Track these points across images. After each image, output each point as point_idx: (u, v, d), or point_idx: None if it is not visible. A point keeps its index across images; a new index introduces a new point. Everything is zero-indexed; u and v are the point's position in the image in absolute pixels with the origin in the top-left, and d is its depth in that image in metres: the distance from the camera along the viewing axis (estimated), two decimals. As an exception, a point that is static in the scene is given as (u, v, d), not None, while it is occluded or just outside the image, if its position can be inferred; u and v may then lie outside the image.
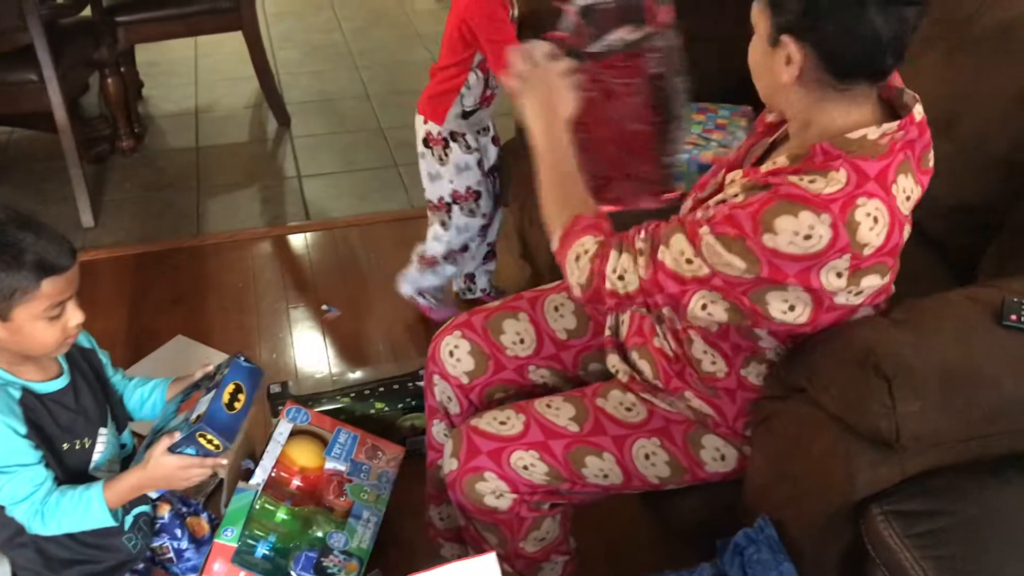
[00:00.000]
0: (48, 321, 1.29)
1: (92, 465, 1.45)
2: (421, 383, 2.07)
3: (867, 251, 1.12)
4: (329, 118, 3.66)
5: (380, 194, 3.16)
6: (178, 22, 3.35)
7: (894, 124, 1.14)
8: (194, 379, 1.56)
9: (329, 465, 1.77)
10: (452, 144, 2.18)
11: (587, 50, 1.38)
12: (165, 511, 1.64)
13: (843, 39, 1.11)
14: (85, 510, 1.36)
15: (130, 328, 2.47)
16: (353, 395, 2.05)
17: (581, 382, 1.58)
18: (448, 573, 1.21)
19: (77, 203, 2.95)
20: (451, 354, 1.61)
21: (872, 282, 1.15)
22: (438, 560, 1.81)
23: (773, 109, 1.31)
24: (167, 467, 1.37)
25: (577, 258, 1.27)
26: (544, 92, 1.35)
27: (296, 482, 1.72)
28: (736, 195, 1.20)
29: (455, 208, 2.26)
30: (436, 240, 2.34)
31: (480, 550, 1.51)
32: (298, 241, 2.94)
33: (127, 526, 1.49)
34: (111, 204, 3.10)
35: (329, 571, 1.57)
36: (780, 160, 1.20)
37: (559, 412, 1.44)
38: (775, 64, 1.17)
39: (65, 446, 1.40)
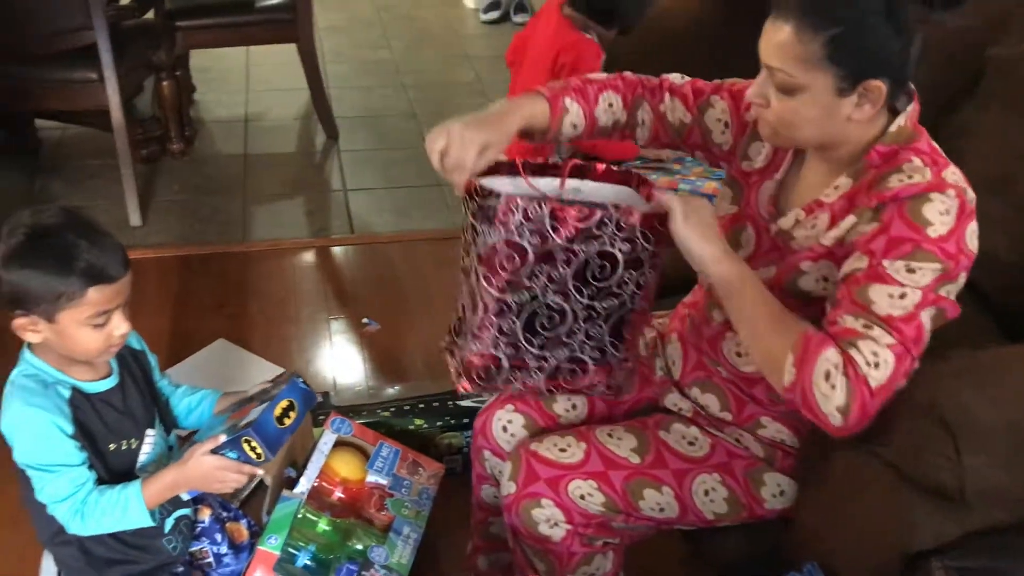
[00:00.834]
0: (93, 328, 1.30)
1: (138, 466, 1.46)
2: (460, 402, 2.09)
3: (973, 203, 1.20)
4: (376, 134, 3.69)
5: (422, 212, 3.19)
6: (236, 30, 3.40)
7: (908, 108, 1.25)
8: (247, 394, 1.57)
9: (371, 478, 1.78)
10: None
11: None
12: (206, 515, 1.64)
13: (906, 65, 1.20)
14: (124, 509, 1.37)
15: (173, 329, 2.50)
16: (393, 410, 2.06)
17: None
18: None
19: (126, 202, 2.99)
20: (504, 429, 1.58)
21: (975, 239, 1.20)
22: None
23: (808, 145, 1.31)
24: (205, 467, 1.37)
25: (827, 377, 1.14)
26: (708, 213, 1.28)
27: (338, 493, 1.73)
28: (856, 225, 1.23)
29: None
30: None
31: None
32: (341, 254, 2.96)
33: (167, 528, 1.50)
34: (159, 205, 3.14)
35: (369, 585, 1.57)
36: (842, 182, 1.26)
37: (620, 443, 1.44)
38: (843, 109, 1.21)
39: (112, 446, 1.41)
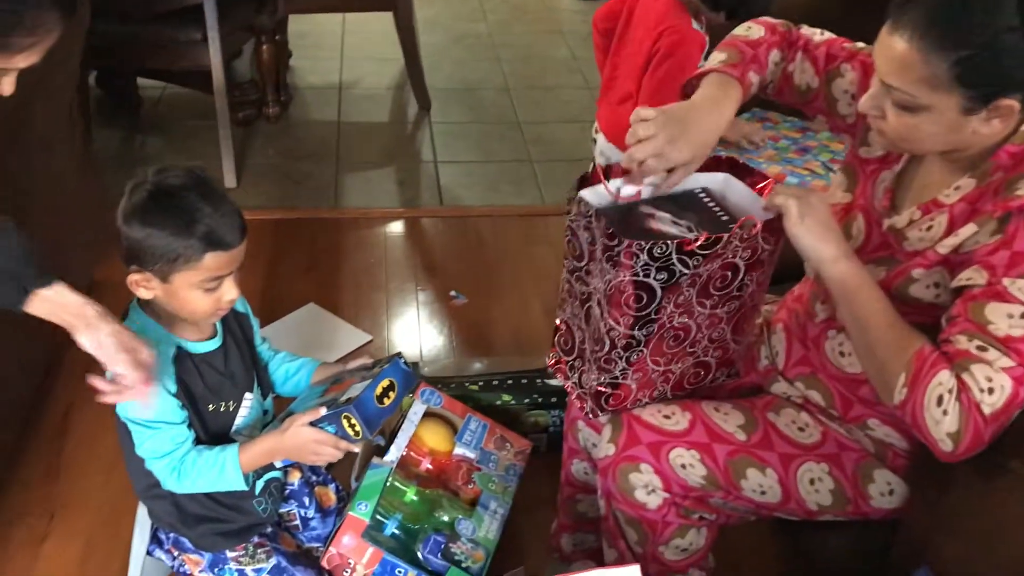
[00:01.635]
0: (204, 292, 1.30)
1: (234, 428, 1.47)
2: (549, 381, 2.06)
3: None
4: (468, 107, 3.67)
5: (513, 187, 3.16)
6: (337, -3, 3.41)
7: None
8: (346, 368, 1.57)
9: (458, 451, 1.77)
10: None
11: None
12: (295, 478, 1.65)
13: None
14: (220, 471, 1.37)
15: (264, 291, 2.52)
16: (481, 384, 2.04)
17: None
18: (591, 579, 1.19)
19: (222, 163, 3.02)
20: None
21: None
22: (551, 561, 1.79)
23: (926, 153, 1.24)
24: (302, 438, 1.37)
25: (939, 402, 1.09)
26: (824, 210, 1.21)
27: (426, 464, 1.72)
28: (976, 236, 1.15)
29: None
30: None
31: (615, 544, 1.48)
32: (430, 225, 2.95)
33: (258, 490, 1.50)
34: (253, 168, 3.17)
35: (456, 558, 1.56)
36: (964, 183, 1.18)
37: (727, 418, 1.39)
38: (969, 125, 1.12)
39: (210, 407, 1.41)
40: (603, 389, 1.36)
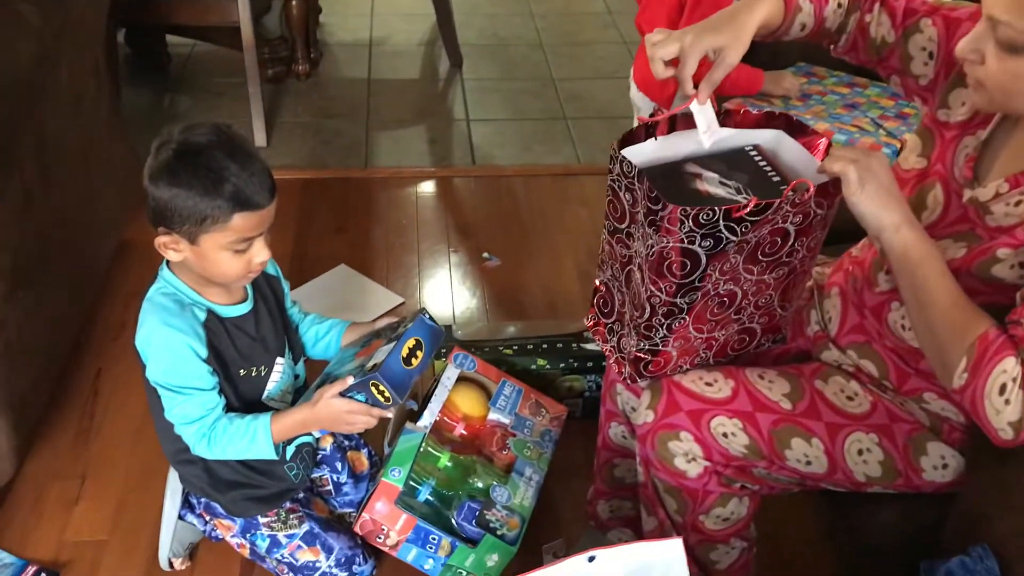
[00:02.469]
0: (233, 253, 1.27)
1: (266, 394, 1.44)
2: (585, 345, 2.01)
3: None
4: (501, 63, 3.59)
5: (546, 146, 3.09)
6: (366, -49, 3.33)
7: None
8: (374, 328, 1.53)
9: (492, 416, 1.73)
10: None
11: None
12: (327, 443, 1.63)
13: None
14: (251, 440, 1.35)
15: (294, 252, 2.49)
16: (515, 348, 2.00)
17: None
18: (631, 552, 1.15)
19: (252, 121, 2.98)
20: None
21: None
22: (587, 529, 1.76)
23: (1016, 111, 1.14)
24: (334, 409, 1.34)
25: (1002, 391, 1.03)
26: (886, 175, 1.12)
27: (460, 429, 1.69)
28: None
29: None
30: None
31: (654, 513, 1.44)
32: (462, 185, 2.90)
33: (289, 455, 1.48)
34: (283, 126, 3.12)
35: (491, 525, 1.53)
36: None
37: (772, 385, 1.34)
38: None
39: (242, 372, 1.39)
40: (642, 355, 1.31)
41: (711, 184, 1.22)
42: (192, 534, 1.66)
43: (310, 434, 1.53)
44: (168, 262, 1.34)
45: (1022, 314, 1.06)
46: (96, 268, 2.24)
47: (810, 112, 1.91)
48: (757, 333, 1.38)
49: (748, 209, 1.13)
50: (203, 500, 1.52)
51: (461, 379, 1.78)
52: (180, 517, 1.57)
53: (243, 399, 1.40)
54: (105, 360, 2.12)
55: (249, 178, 1.23)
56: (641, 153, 1.25)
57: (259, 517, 1.51)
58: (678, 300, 1.22)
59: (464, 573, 1.52)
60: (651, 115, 1.26)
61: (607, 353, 1.41)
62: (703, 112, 1.24)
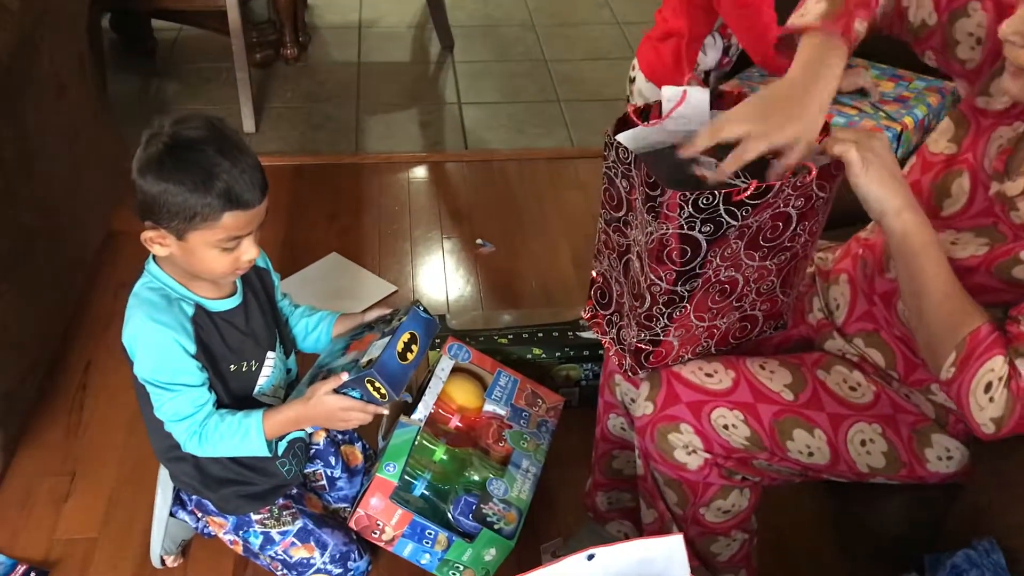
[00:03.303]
0: (221, 251, 1.23)
1: (257, 389, 1.41)
2: (580, 333, 1.99)
3: None
4: (492, 45, 3.54)
5: (540, 129, 3.05)
6: (354, -69, 3.28)
7: None
8: (364, 320, 1.50)
9: (488, 407, 1.70)
10: None
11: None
12: (320, 438, 1.60)
13: None
14: (242, 437, 1.32)
15: (285, 239, 2.46)
16: (511, 337, 1.97)
17: None
18: (632, 549, 1.12)
19: (240, 107, 2.94)
20: None
21: None
22: (585, 521, 1.74)
23: None
24: (328, 407, 1.31)
25: (987, 388, 1.05)
26: (888, 156, 1.09)
27: (455, 422, 1.66)
28: None
29: None
30: None
31: (654, 505, 1.42)
32: (455, 170, 2.86)
33: (280, 451, 1.45)
34: (272, 111, 3.08)
35: (489, 519, 1.50)
36: None
37: (773, 376, 1.31)
38: None
39: (232, 367, 1.36)
40: (643, 346, 1.29)
41: (708, 168, 1.19)
42: (184, 531, 1.64)
43: (303, 430, 1.50)
44: (154, 256, 1.30)
45: (1021, 311, 1.03)
46: (83, 258, 2.20)
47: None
48: (759, 320, 1.35)
49: (748, 192, 1.09)
50: (194, 497, 1.49)
51: (456, 370, 1.75)
52: (172, 514, 1.55)
53: (234, 395, 1.37)
54: (95, 352, 2.09)
55: (240, 175, 1.19)
56: (636, 138, 1.21)
57: (251, 514, 1.48)
58: (679, 288, 1.19)
59: (461, 568, 1.49)
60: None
61: (606, 345, 1.39)
62: (700, 101, 1.21)
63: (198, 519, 1.53)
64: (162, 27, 3.39)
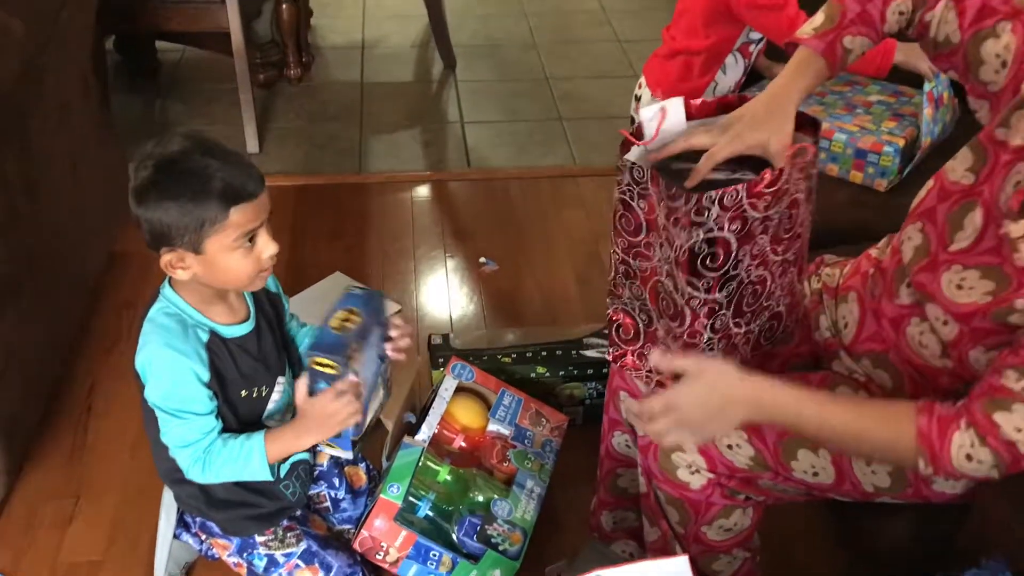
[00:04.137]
0: (241, 252, 1.23)
1: (265, 414, 1.41)
2: (585, 352, 1.98)
3: None
4: (494, 64, 3.56)
5: (542, 147, 3.06)
6: (357, -48, 3.30)
7: None
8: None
9: (492, 427, 1.70)
10: None
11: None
12: (324, 459, 1.59)
13: None
14: (245, 461, 1.31)
15: (289, 259, 2.46)
16: (514, 356, 1.97)
17: None
18: (637, 571, 1.12)
19: (244, 128, 2.95)
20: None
21: None
22: (590, 540, 1.73)
23: None
24: (314, 408, 1.29)
25: (968, 459, 1.06)
26: (693, 406, 1.16)
27: (459, 442, 1.66)
28: None
29: None
30: None
31: (657, 524, 1.41)
32: (458, 188, 2.87)
33: (283, 472, 1.45)
34: (276, 132, 3.09)
35: (493, 540, 1.50)
36: None
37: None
38: None
39: (243, 393, 1.35)
40: None
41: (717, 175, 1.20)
42: (188, 553, 1.63)
43: (307, 451, 1.50)
44: (170, 280, 1.30)
45: (1004, 364, 1.05)
46: (87, 280, 2.20)
47: (809, 111, 1.88)
48: (783, 316, 1.34)
49: (766, 182, 1.11)
50: (199, 519, 1.49)
51: (459, 390, 1.75)
52: (175, 536, 1.54)
53: (242, 420, 1.37)
54: (98, 374, 2.09)
55: (234, 170, 1.19)
56: (640, 158, 1.22)
57: (256, 536, 1.47)
58: (717, 296, 1.19)
59: (466, 589, 1.49)
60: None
61: (646, 381, 1.37)
62: (677, 112, 1.23)
63: (202, 541, 1.53)
64: (166, 48, 3.41)
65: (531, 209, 2.73)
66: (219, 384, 1.30)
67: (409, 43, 3.71)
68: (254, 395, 1.36)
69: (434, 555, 1.45)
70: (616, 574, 1.08)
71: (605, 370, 1.88)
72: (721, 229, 1.12)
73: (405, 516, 1.46)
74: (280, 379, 1.40)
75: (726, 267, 1.16)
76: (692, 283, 1.18)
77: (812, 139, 1.22)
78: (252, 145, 2.95)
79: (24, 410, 1.79)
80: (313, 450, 1.54)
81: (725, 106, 1.26)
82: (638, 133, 1.23)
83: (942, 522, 1.29)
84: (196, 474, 1.31)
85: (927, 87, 1.82)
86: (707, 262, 1.15)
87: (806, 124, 1.24)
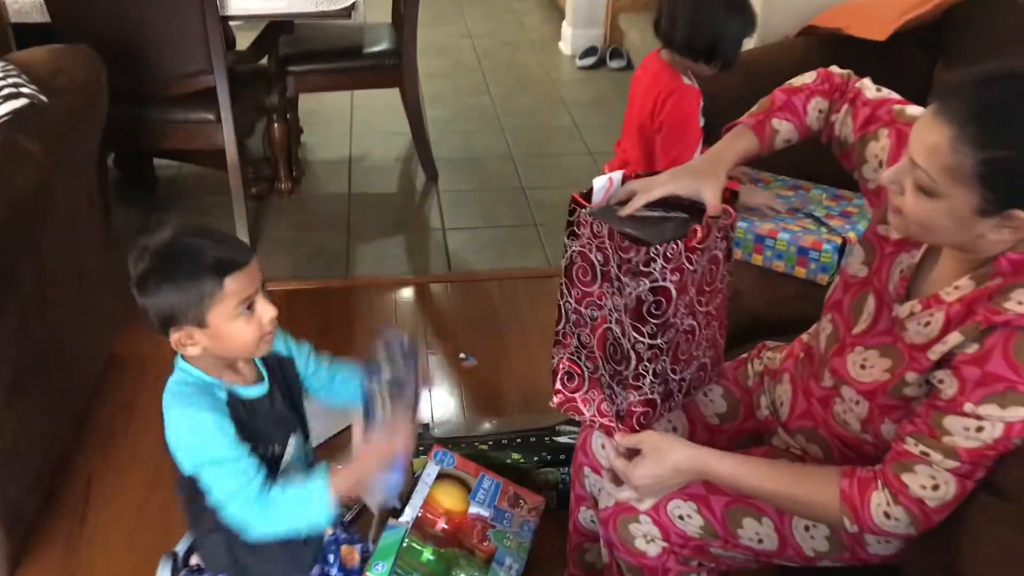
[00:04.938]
0: (243, 319, 1.30)
1: (279, 471, 1.44)
2: (557, 438, 2.10)
3: None
4: (474, 175, 3.77)
5: (519, 251, 3.23)
6: (344, 75, 3.53)
7: None
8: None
9: (473, 510, 1.81)
10: None
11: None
12: (328, 533, 1.66)
13: None
14: (306, 503, 1.34)
15: (279, 359, 2.58)
16: (491, 443, 2.08)
17: None
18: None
19: (237, 237, 3.10)
20: (603, 446, 1.58)
21: None
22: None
23: (933, 245, 1.25)
24: (373, 444, 1.35)
25: (887, 516, 1.21)
26: (649, 476, 1.35)
27: (441, 524, 1.76)
28: (962, 344, 1.15)
29: None
30: None
31: None
32: (439, 290, 3.03)
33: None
34: (267, 241, 3.26)
35: (473, 613, 1.59)
36: (964, 283, 1.18)
37: None
38: (979, 228, 1.11)
39: (260, 451, 1.39)
40: (635, 408, 1.39)
41: (643, 219, 1.36)
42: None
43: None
44: (181, 355, 1.37)
45: (906, 431, 1.21)
46: (87, 380, 2.32)
47: (756, 215, 2.06)
48: (708, 367, 1.49)
49: (699, 237, 1.27)
50: None
51: (441, 475, 1.86)
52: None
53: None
54: (95, 468, 2.19)
55: (222, 245, 1.29)
56: (597, 212, 1.37)
57: None
58: (659, 341, 1.32)
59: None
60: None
61: (588, 424, 1.48)
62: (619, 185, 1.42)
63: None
64: (163, 164, 3.61)
65: (508, 308, 2.88)
66: (242, 438, 1.34)
67: (393, 157, 3.93)
68: (269, 453, 1.41)
69: (417, 628, 1.54)
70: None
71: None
72: (664, 279, 1.27)
73: (389, 592, 1.56)
74: (292, 437, 1.46)
75: (666, 315, 1.30)
76: (638, 328, 1.31)
77: (732, 207, 1.39)
78: (244, 253, 3.10)
79: (27, 499, 1.89)
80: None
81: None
82: (587, 196, 1.38)
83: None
84: (257, 525, 1.33)
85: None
86: (652, 310, 1.29)
87: (729, 197, 1.42)
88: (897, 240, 1.30)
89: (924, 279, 1.27)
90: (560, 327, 1.47)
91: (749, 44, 2.58)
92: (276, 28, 3.33)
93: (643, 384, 1.37)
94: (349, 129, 4.15)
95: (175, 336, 1.31)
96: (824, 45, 2.35)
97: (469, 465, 1.90)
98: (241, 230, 3.11)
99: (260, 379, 1.43)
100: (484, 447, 2.07)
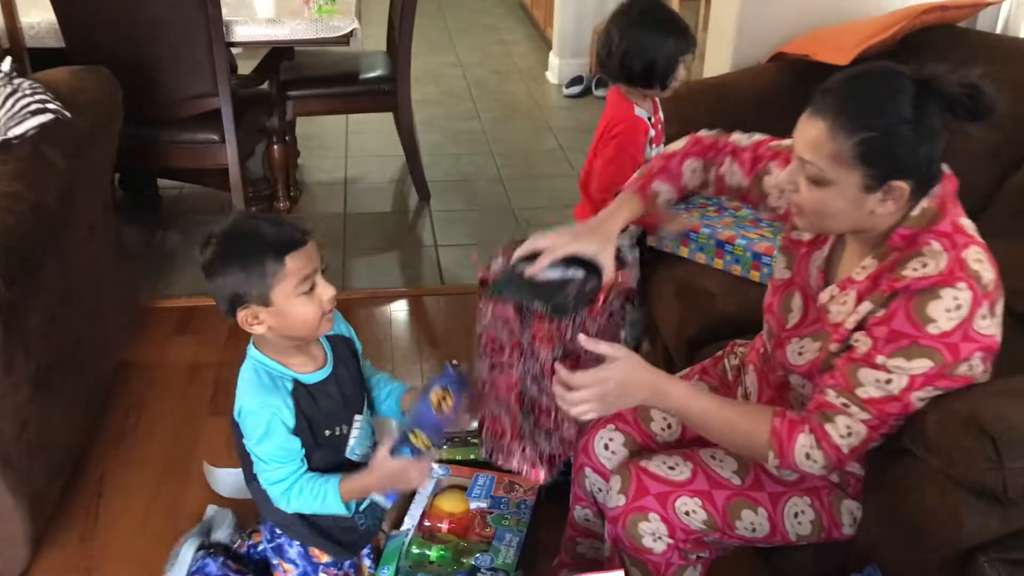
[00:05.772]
0: (304, 297, 1.39)
1: (348, 451, 1.54)
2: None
3: (991, 286, 1.27)
4: (465, 196, 3.94)
5: (508, 268, 3.38)
6: (341, 100, 3.70)
7: (934, 189, 1.31)
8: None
9: (473, 505, 1.95)
10: None
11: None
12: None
13: (932, 166, 1.30)
14: (322, 500, 1.47)
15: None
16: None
17: None
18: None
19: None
20: (606, 447, 1.71)
21: (1000, 310, 1.29)
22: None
23: (836, 232, 1.43)
24: (388, 469, 1.45)
25: (807, 457, 1.35)
26: (611, 387, 1.41)
27: (446, 526, 1.92)
28: (872, 310, 1.33)
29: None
30: None
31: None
32: (432, 302, 3.18)
33: (362, 508, 1.58)
34: (266, 256, 3.39)
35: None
36: (868, 263, 1.36)
37: (723, 464, 1.55)
38: (869, 204, 1.29)
39: (327, 432, 1.50)
40: (555, 452, 1.53)
41: (551, 272, 1.48)
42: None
43: (382, 495, 1.58)
44: (254, 340, 1.48)
45: (826, 383, 1.36)
46: (101, 382, 2.46)
47: (722, 223, 2.20)
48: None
49: (601, 302, 1.41)
50: (271, 544, 1.61)
51: (439, 486, 2.01)
52: None
53: (327, 459, 1.50)
54: (108, 465, 2.31)
55: (281, 227, 1.40)
56: (502, 279, 1.50)
57: (323, 563, 1.60)
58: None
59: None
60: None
61: (516, 468, 1.55)
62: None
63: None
64: (166, 184, 3.76)
65: (498, 320, 3.03)
66: (307, 426, 1.46)
67: (387, 178, 4.09)
68: (336, 433, 1.52)
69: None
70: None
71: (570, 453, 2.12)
72: (572, 341, 1.39)
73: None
74: (357, 416, 1.55)
75: (575, 371, 1.41)
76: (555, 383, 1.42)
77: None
78: (246, 268, 3.24)
79: (48, 488, 2.02)
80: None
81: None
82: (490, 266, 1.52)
83: (836, 550, 1.54)
84: (283, 505, 1.49)
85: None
86: (567, 366, 1.40)
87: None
88: (809, 241, 1.50)
89: (837, 267, 1.45)
90: (479, 389, 1.54)
91: (724, 69, 2.78)
92: (277, 54, 3.51)
93: (564, 430, 1.50)
94: (345, 151, 4.31)
95: (242, 314, 1.40)
96: (792, 69, 2.53)
97: (463, 470, 2.06)
98: (243, 245, 3.24)
99: (326, 361, 1.52)
100: (475, 441, 2.20)
